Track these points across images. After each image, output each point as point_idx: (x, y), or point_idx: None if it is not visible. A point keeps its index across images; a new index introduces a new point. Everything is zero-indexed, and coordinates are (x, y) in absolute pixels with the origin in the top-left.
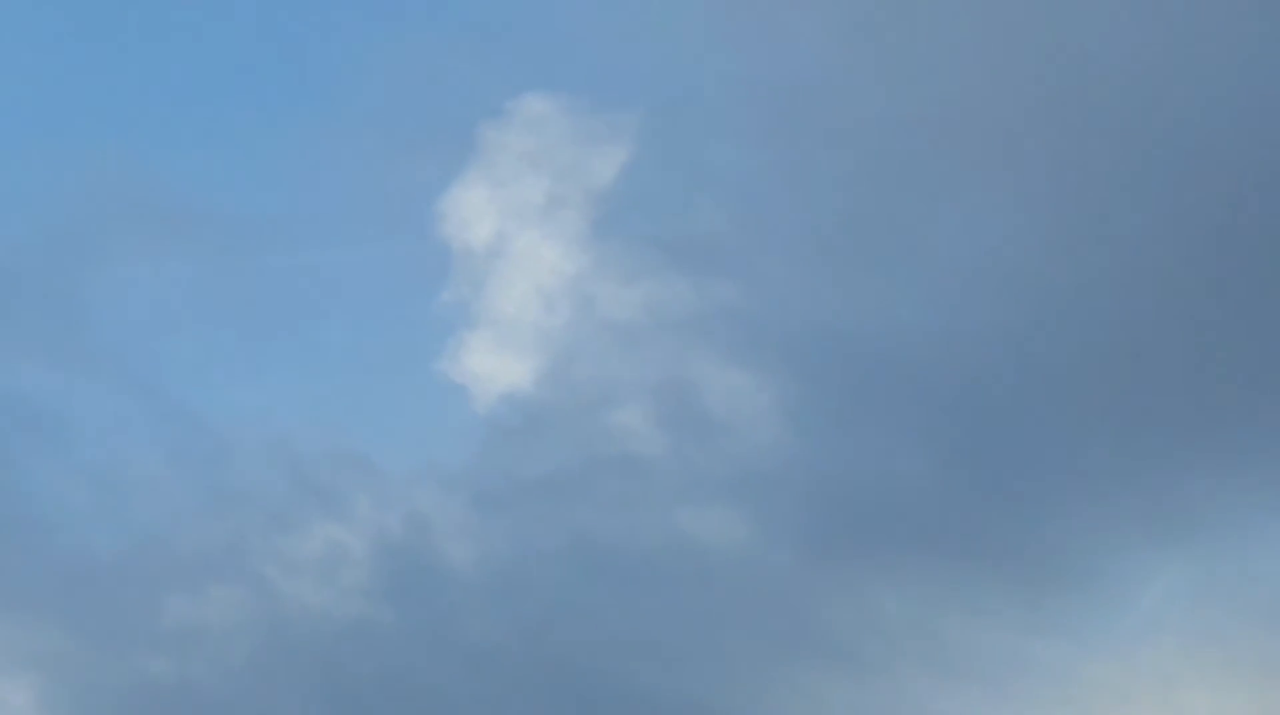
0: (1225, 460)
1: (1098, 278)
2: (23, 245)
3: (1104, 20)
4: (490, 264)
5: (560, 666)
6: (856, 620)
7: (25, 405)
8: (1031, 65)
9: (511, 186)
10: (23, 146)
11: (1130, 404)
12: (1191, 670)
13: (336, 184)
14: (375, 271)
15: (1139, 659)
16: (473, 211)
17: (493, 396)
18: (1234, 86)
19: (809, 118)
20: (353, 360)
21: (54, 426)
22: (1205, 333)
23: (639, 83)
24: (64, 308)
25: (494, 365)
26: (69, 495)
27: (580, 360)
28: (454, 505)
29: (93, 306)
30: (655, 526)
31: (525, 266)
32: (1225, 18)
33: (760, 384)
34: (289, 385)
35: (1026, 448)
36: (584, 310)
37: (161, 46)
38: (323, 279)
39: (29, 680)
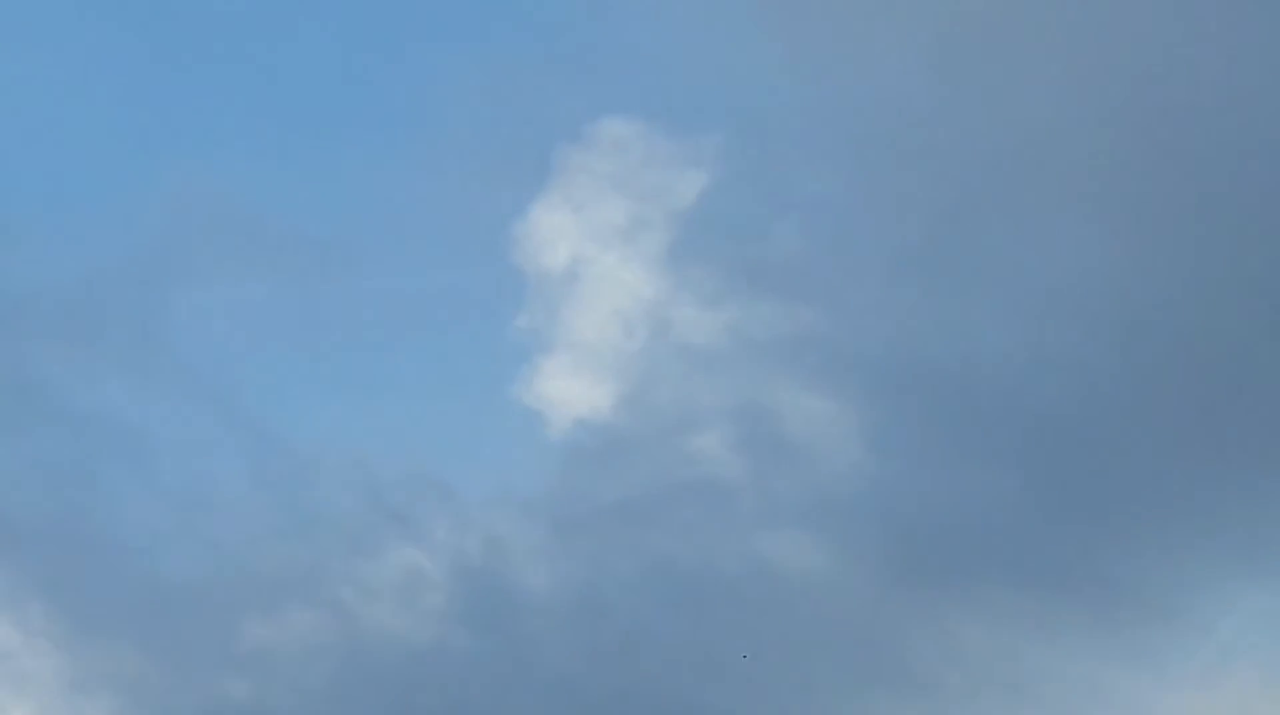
0: None
1: (1180, 306)
2: (108, 268)
3: (1189, 53)
4: (568, 288)
5: (637, 693)
6: (936, 649)
7: (109, 426)
8: (1116, 94)
9: (590, 210)
10: (108, 171)
11: (1211, 434)
12: (1269, 700)
13: (416, 207)
14: (454, 296)
15: (1218, 689)
16: (551, 235)
17: (571, 421)
18: None
19: (892, 142)
20: (431, 385)
21: (137, 448)
22: None
23: (719, 106)
24: (148, 330)
25: (573, 390)
26: (150, 517)
27: (659, 385)
28: (531, 530)
29: (176, 329)
30: (734, 552)
31: (604, 290)
32: None
33: (841, 409)
34: (368, 409)
35: (1107, 477)
36: (663, 334)
37: (246, 71)
38: (402, 303)
39: (108, 701)
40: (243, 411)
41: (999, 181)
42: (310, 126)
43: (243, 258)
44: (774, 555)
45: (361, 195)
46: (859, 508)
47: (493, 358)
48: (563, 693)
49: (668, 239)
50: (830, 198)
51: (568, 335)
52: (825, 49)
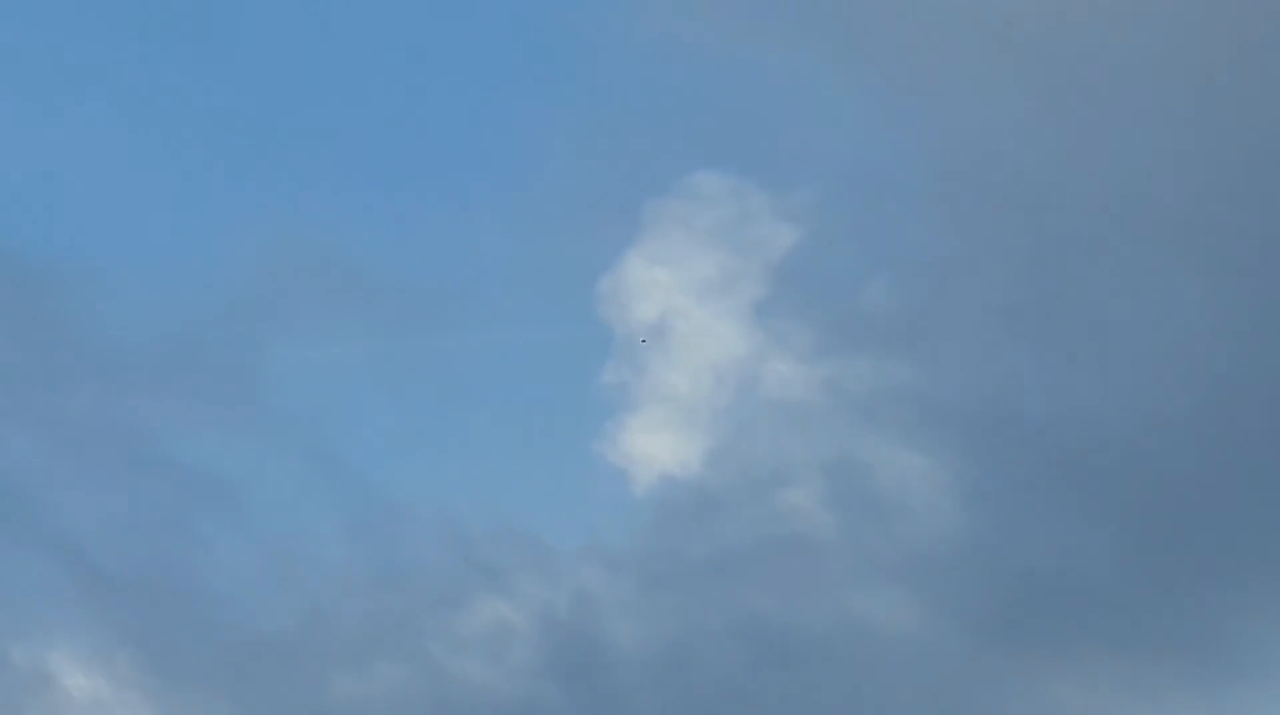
0: None
1: None
2: (204, 319)
3: None
4: (661, 342)
5: None
6: (1030, 710)
7: (204, 477)
8: (1223, 149)
9: (681, 264)
10: (205, 223)
11: None
12: None
13: (509, 261)
14: (545, 350)
15: None
16: (640, 289)
17: (661, 476)
18: None
19: (989, 196)
20: (522, 439)
21: (230, 499)
22: None
23: (814, 161)
24: (243, 381)
25: (664, 444)
26: (242, 568)
27: (750, 440)
28: (621, 584)
29: (271, 380)
30: (825, 609)
31: (696, 345)
32: None
33: (936, 466)
34: (458, 463)
35: (1207, 536)
36: (754, 389)
37: (344, 123)
38: (494, 357)
39: None
40: (335, 463)
41: (1098, 236)
42: (407, 180)
43: (337, 310)
44: (865, 612)
45: (456, 248)
46: (953, 565)
47: (583, 412)
48: None
49: (760, 293)
50: (926, 252)
51: (658, 389)
52: (921, 103)
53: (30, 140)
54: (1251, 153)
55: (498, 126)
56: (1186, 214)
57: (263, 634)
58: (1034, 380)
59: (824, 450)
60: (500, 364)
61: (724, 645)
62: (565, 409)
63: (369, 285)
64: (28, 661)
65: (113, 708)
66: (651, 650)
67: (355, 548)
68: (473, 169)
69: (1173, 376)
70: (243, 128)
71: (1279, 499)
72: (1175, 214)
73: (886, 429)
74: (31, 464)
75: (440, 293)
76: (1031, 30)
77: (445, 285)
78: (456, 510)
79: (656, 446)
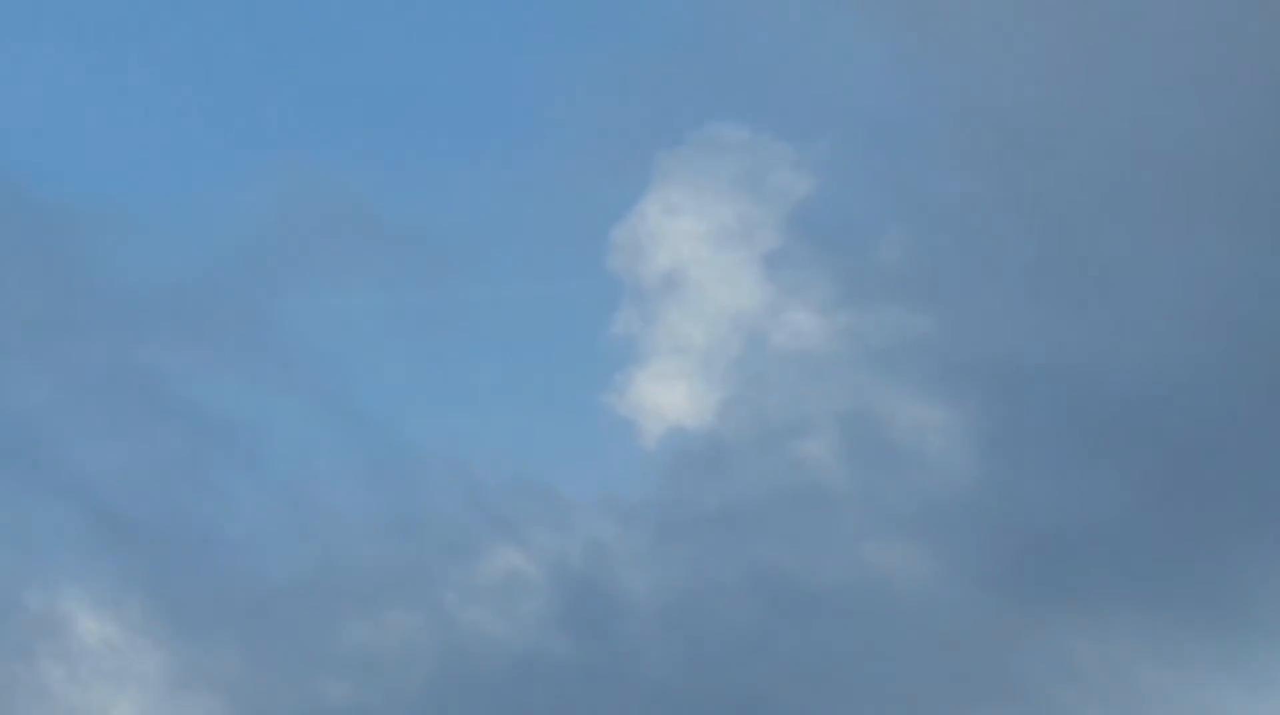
0: None
1: None
2: (221, 264)
3: None
4: (675, 293)
5: (737, 701)
6: (1046, 664)
7: (218, 423)
8: (1249, 100)
9: (695, 214)
10: (223, 167)
11: None
12: None
13: (520, 211)
14: (558, 301)
15: None
16: (653, 239)
17: (676, 426)
18: None
19: (1009, 145)
20: (535, 390)
21: (244, 445)
22: None
23: (830, 109)
24: (261, 326)
25: (678, 395)
26: (255, 515)
27: (765, 391)
28: (634, 536)
29: (289, 326)
30: (839, 561)
31: (711, 295)
32: None
33: (953, 417)
34: (472, 412)
35: (1228, 491)
36: (770, 339)
37: (362, 68)
38: (508, 308)
39: (207, 701)
40: (350, 411)
41: (1122, 184)
42: (423, 129)
43: (354, 256)
44: (880, 564)
45: (469, 198)
46: (969, 517)
47: (596, 363)
48: (662, 700)
49: (775, 243)
50: (945, 202)
51: (672, 340)
52: (939, 49)
53: (46, 85)
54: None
55: (513, 75)
56: (1213, 162)
57: (275, 581)
58: (1054, 331)
59: (840, 401)
60: (513, 314)
61: (737, 597)
62: (578, 360)
63: (385, 234)
64: (41, 605)
65: (125, 653)
66: (664, 601)
67: (369, 496)
68: (487, 118)
69: (1196, 328)
70: (260, 73)
71: None
72: (1202, 162)
73: (903, 380)
74: (46, 409)
75: (454, 243)
76: None
77: (459, 235)
78: (470, 460)
79: (670, 397)
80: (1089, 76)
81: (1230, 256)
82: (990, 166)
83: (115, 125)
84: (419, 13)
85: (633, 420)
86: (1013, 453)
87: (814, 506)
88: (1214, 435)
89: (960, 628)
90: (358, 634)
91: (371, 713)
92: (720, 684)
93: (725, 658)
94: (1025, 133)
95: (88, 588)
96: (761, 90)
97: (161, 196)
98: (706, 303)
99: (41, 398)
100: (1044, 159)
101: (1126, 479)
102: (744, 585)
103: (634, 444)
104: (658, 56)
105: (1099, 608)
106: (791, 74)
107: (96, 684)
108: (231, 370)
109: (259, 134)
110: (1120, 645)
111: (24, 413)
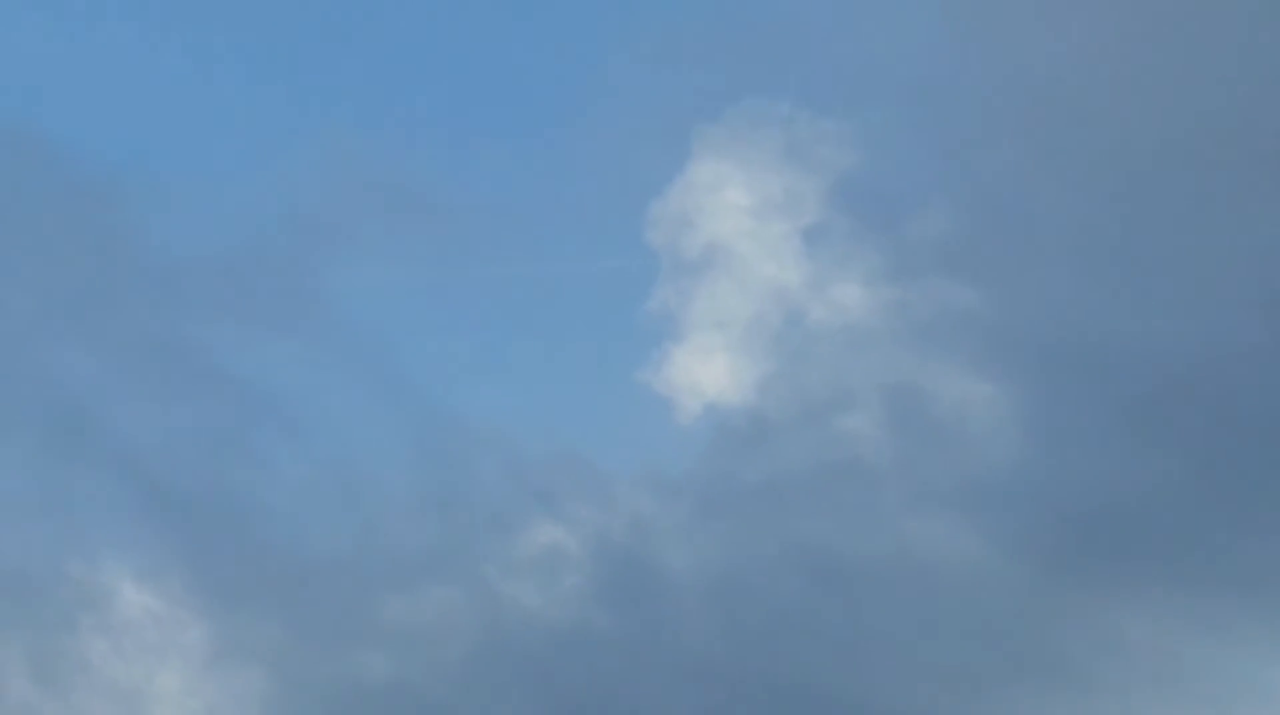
0: None
1: None
2: (265, 235)
3: None
4: (716, 267)
5: (778, 675)
6: (1090, 640)
7: (261, 394)
8: None
9: (736, 188)
10: (266, 137)
11: None
12: None
13: (563, 183)
14: (599, 277)
15: None
16: (694, 214)
17: (717, 402)
18: None
19: (1059, 118)
20: (576, 365)
21: (287, 417)
22: None
23: (871, 83)
24: (303, 297)
25: (719, 370)
26: (298, 487)
27: (806, 365)
28: (675, 510)
29: (331, 297)
30: (882, 536)
31: (752, 269)
32: None
33: (998, 392)
34: (514, 387)
35: (1277, 469)
36: (810, 314)
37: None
38: (549, 283)
39: (248, 673)
40: (393, 384)
41: (1172, 158)
42: (462, 99)
43: (396, 231)
44: (922, 539)
45: (509, 170)
46: (1013, 493)
47: (636, 338)
48: (702, 673)
49: (817, 218)
50: (989, 174)
51: (713, 314)
52: (984, 19)
53: (91, 53)
54: None
55: (556, 49)
56: (1269, 135)
57: (317, 554)
58: (1102, 307)
59: (882, 375)
60: (554, 289)
61: (778, 572)
62: (619, 335)
63: (427, 207)
64: (83, 576)
65: (166, 624)
66: (704, 576)
67: (411, 469)
68: (528, 92)
69: (1245, 302)
70: (304, 45)
71: None
72: (1257, 134)
73: (947, 354)
74: (90, 380)
75: (493, 217)
76: None
77: (498, 209)
78: (512, 435)
79: (713, 372)
80: (1140, 45)
81: None
82: (1037, 138)
83: (159, 95)
84: None
85: (678, 395)
86: (1058, 428)
87: (856, 482)
88: (1262, 410)
89: (1004, 603)
90: (398, 607)
91: (411, 685)
92: (761, 658)
93: (766, 632)
94: (1073, 103)
95: (130, 559)
96: (803, 63)
97: (206, 168)
98: (748, 277)
99: (85, 369)
100: (1092, 130)
101: (1173, 454)
102: (785, 560)
103: (674, 419)
104: (698, 31)
105: (1145, 583)
106: (834, 47)
107: (138, 655)
108: (275, 342)
109: (303, 106)
110: (1166, 620)
111: (68, 384)
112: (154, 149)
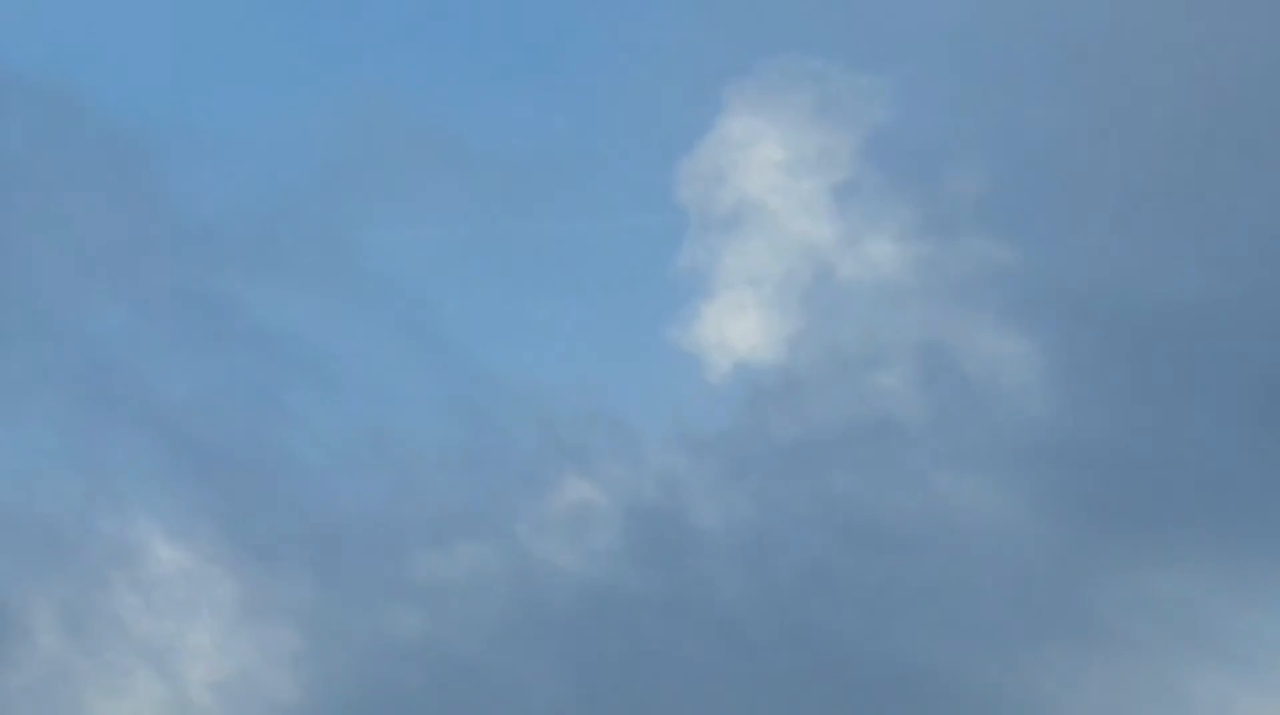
0: None
1: None
2: (299, 190)
3: None
4: (749, 224)
5: (810, 633)
6: (1122, 599)
7: (294, 350)
8: None
9: (766, 144)
10: (298, 91)
11: None
12: None
13: (592, 139)
14: (628, 235)
15: None
16: (724, 170)
17: (749, 359)
18: None
19: (1096, 75)
20: (606, 322)
21: (320, 374)
22: None
23: (903, 37)
24: (336, 253)
25: (751, 327)
26: (332, 444)
27: (838, 323)
28: (707, 468)
29: (363, 253)
30: (913, 494)
31: (783, 226)
32: None
33: (1032, 350)
34: (546, 343)
35: None
36: (842, 271)
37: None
38: (580, 239)
39: (279, 629)
40: (426, 341)
41: (1213, 112)
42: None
43: (430, 186)
44: (955, 498)
45: (538, 125)
46: (1046, 451)
47: (667, 296)
48: (734, 631)
49: (849, 174)
50: (1024, 129)
51: (744, 271)
52: None
53: (123, 8)
54: None
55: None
56: None
57: (349, 510)
58: (1139, 262)
59: (915, 333)
60: (584, 246)
61: (809, 530)
62: (650, 292)
63: (459, 162)
64: (115, 532)
65: (198, 580)
66: (736, 534)
67: (443, 426)
68: (555, 46)
69: None
70: None
71: None
72: None
73: (980, 311)
74: (122, 335)
75: (523, 172)
76: None
77: (528, 165)
78: (543, 392)
79: (744, 329)
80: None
81: None
82: (1074, 92)
83: (192, 49)
84: None
85: (711, 352)
86: (1092, 386)
87: (888, 439)
88: None
89: (1036, 562)
90: (430, 564)
91: (442, 643)
92: (792, 617)
93: (797, 590)
94: (1112, 57)
95: (162, 515)
96: (837, 17)
97: (239, 121)
98: (779, 233)
99: (117, 324)
100: (1131, 84)
101: (1208, 413)
102: (816, 518)
103: (705, 377)
104: None
105: (1179, 543)
106: (868, 0)
107: (170, 611)
108: (308, 298)
109: (337, 61)
110: (1200, 579)
111: (100, 339)
112: (188, 104)
